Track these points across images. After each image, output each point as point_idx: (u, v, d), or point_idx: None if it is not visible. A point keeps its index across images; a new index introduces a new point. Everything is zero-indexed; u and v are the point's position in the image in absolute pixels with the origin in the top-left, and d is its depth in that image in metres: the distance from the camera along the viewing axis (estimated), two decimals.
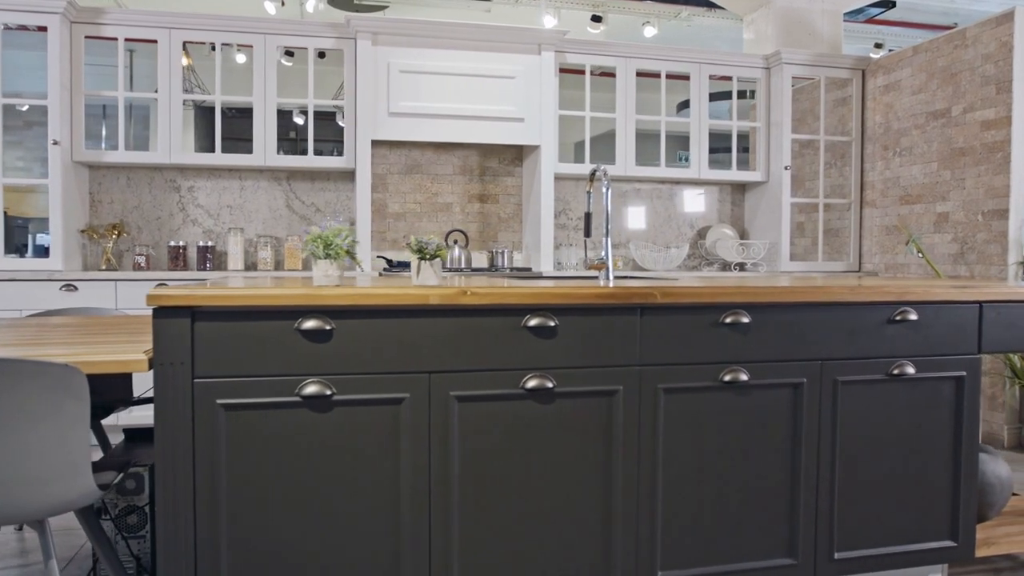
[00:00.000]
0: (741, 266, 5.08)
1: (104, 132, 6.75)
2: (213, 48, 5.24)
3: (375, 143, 4.62)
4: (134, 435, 2.53)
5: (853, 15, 6.71)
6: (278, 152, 4.34)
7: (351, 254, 1.87)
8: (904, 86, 4.70)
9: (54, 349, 1.73)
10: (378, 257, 4.60)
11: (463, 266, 4.57)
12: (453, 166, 4.88)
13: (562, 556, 1.93)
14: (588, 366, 1.92)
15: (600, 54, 4.76)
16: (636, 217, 5.21)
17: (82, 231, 4.29)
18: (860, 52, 6.65)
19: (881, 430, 2.16)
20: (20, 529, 2.85)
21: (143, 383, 2.91)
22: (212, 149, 4.37)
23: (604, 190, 2.59)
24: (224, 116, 4.41)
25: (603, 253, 2.60)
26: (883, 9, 6.50)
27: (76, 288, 3.85)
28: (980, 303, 2.22)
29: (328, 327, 1.76)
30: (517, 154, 4.97)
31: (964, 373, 2.21)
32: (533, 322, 1.87)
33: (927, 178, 4.52)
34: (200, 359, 1.72)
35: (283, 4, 6.35)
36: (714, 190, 5.34)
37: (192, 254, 4.48)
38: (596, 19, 6.92)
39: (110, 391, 2.70)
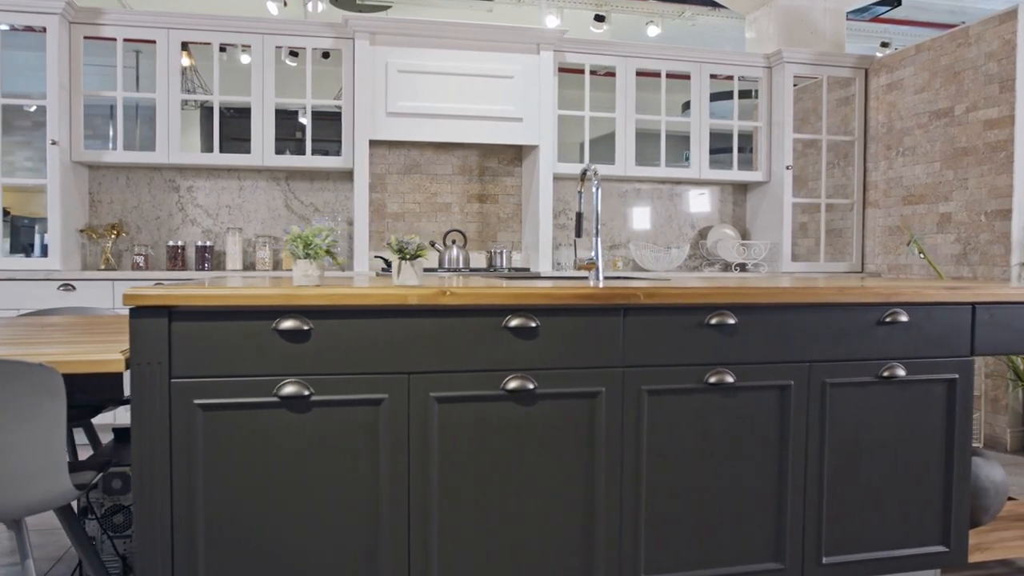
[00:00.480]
0: (742, 266, 5.05)
1: (111, 132, 6.78)
2: (223, 49, 5.26)
3: (374, 143, 4.62)
4: (123, 435, 2.53)
5: (858, 14, 6.65)
6: (281, 152, 4.35)
7: (331, 254, 1.85)
8: (907, 85, 4.65)
9: (33, 349, 1.73)
10: (376, 257, 4.59)
11: (461, 266, 4.56)
12: (452, 166, 4.87)
13: (543, 560, 1.91)
14: (570, 367, 1.90)
15: (600, 53, 4.74)
16: (636, 217, 5.18)
17: (81, 231, 4.30)
18: (867, 51, 6.59)
19: (871, 433, 2.13)
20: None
21: None
22: (221, 149, 4.37)
23: (594, 190, 2.57)
24: (230, 116, 4.40)
25: (592, 253, 2.57)
26: (889, 8, 6.44)
27: (74, 288, 3.86)
28: (973, 304, 2.18)
29: (306, 327, 1.75)
30: (517, 154, 4.95)
31: (956, 375, 2.18)
32: (514, 323, 1.85)
33: (930, 178, 4.47)
34: (177, 359, 1.71)
35: (285, 4, 6.36)
36: (715, 190, 5.31)
37: (191, 254, 4.49)
38: (599, 19, 6.89)
39: (100, 390, 2.70)
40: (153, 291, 1.69)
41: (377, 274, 4.26)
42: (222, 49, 5.54)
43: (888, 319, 2.11)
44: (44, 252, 4.92)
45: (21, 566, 1.69)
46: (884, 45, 7.25)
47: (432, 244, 4.71)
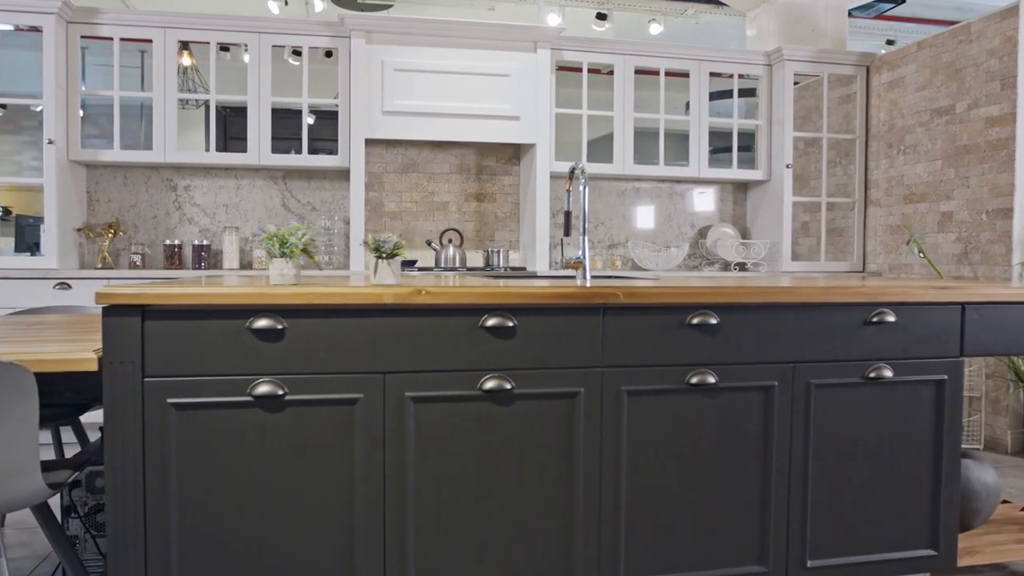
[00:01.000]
0: (742, 266, 5.01)
1: (117, 131, 6.81)
2: (226, 49, 5.25)
3: (372, 142, 4.61)
4: None
5: (862, 11, 6.59)
6: (287, 151, 4.35)
7: (307, 252, 1.84)
8: (909, 82, 4.60)
9: (8, 348, 1.72)
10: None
11: (457, 265, 4.54)
12: (450, 165, 4.86)
13: (521, 562, 1.89)
14: (548, 367, 1.88)
15: (597, 51, 4.71)
16: (635, 216, 5.15)
17: (78, 229, 4.32)
18: (873, 50, 6.53)
19: (858, 434, 2.10)
20: (1, 525, 2.86)
21: None
22: (221, 148, 4.38)
23: (581, 188, 2.55)
24: (234, 115, 4.39)
25: (580, 253, 2.55)
26: (892, 5, 6.38)
27: (70, 286, 3.87)
28: (962, 304, 2.15)
29: (280, 326, 1.74)
30: (515, 153, 4.93)
31: (945, 376, 2.14)
32: (491, 322, 1.83)
33: (931, 176, 4.42)
34: (150, 358, 1.70)
35: (286, 3, 6.37)
36: (715, 189, 5.27)
37: (188, 253, 4.50)
38: (601, 17, 6.86)
39: (88, 389, 2.70)
40: (126, 290, 1.68)
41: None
42: (225, 49, 5.57)
43: (875, 319, 2.07)
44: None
45: None
46: (890, 43, 7.19)
47: (428, 243, 4.70)
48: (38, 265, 3.99)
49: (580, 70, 4.70)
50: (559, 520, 1.91)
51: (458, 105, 4.40)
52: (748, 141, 5.13)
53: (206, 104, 6.43)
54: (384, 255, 1.86)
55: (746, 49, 5.41)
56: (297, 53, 5.61)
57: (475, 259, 4.83)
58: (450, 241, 4.72)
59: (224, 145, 5.96)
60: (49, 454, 2.94)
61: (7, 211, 5.60)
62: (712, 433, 2.00)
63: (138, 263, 4.35)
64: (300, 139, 4.41)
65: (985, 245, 4.04)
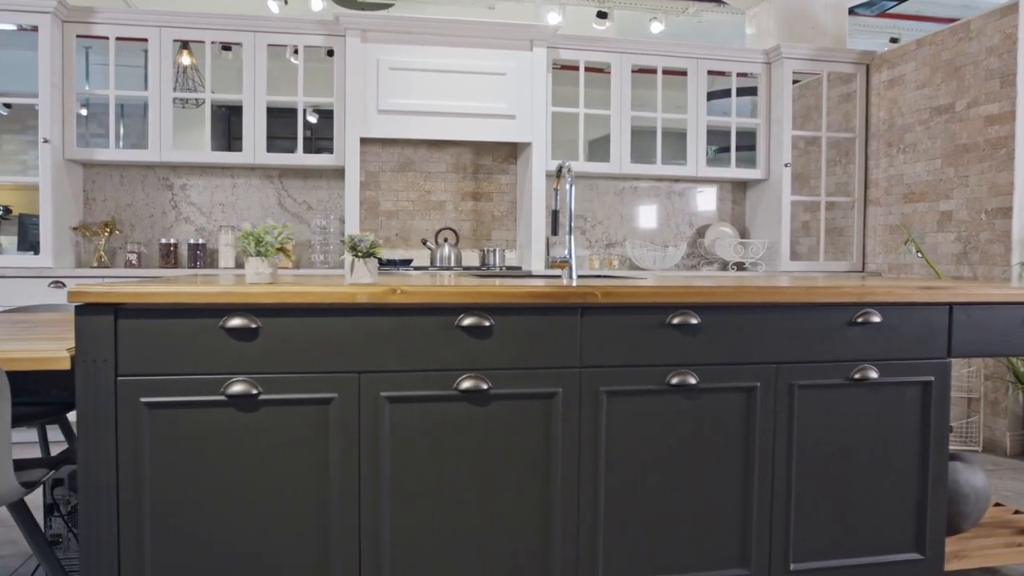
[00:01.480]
0: (740, 265, 4.98)
1: (122, 131, 6.84)
2: (228, 48, 5.25)
3: (368, 141, 4.61)
4: None
5: (865, 8, 6.54)
6: (276, 150, 4.34)
7: (284, 251, 1.83)
8: (908, 80, 4.56)
9: None
10: None
11: (453, 264, 4.53)
12: (446, 164, 4.84)
13: (498, 564, 1.88)
14: (526, 367, 1.86)
15: (594, 50, 4.68)
16: (633, 216, 5.13)
17: (75, 228, 4.33)
18: (877, 48, 6.47)
19: (842, 436, 2.07)
20: None
21: None
22: (225, 147, 4.38)
23: (567, 187, 2.53)
24: (240, 115, 4.37)
25: (566, 252, 2.54)
26: (895, 2, 6.32)
27: (64, 285, 3.88)
28: (950, 304, 2.12)
29: (254, 325, 1.73)
30: (512, 151, 4.92)
31: (932, 378, 2.11)
32: (467, 322, 1.82)
33: (931, 175, 4.38)
34: (124, 357, 1.70)
35: (286, 3, 6.37)
36: (714, 188, 5.23)
37: (183, 252, 4.50)
38: (602, 16, 6.84)
39: (74, 387, 2.70)
40: (98, 288, 1.68)
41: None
42: (227, 48, 5.57)
43: (860, 320, 2.05)
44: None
45: None
46: (894, 41, 7.13)
47: (424, 242, 4.69)
48: (34, 264, 4.00)
49: (578, 69, 4.68)
50: (537, 522, 1.89)
51: (454, 104, 4.39)
52: (751, 140, 5.09)
53: (209, 103, 6.46)
54: (360, 254, 1.85)
55: (744, 47, 5.37)
56: (296, 52, 5.63)
57: (471, 258, 4.81)
58: (445, 240, 4.71)
59: (229, 144, 5.97)
60: (35, 452, 2.95)
61: (7, 210, 5.62)
62: (693, 434, 1.98)
63: (134, 262, 4.35)
64: (305, 138, 4.41)
65: (984, 245, 4.00)
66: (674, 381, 1.94)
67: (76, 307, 1.69)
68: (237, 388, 1.73)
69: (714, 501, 2.00)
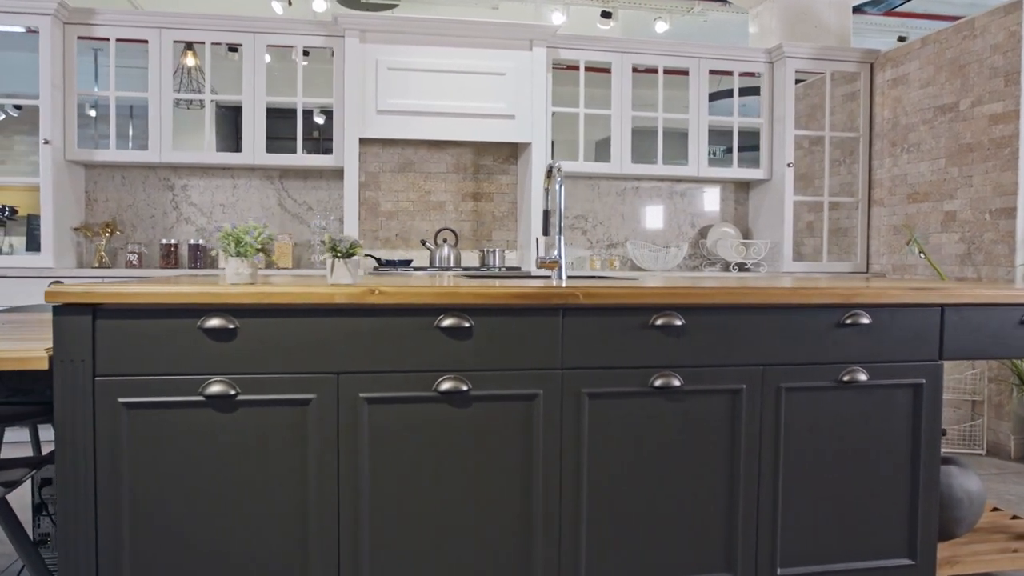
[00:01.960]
0: (742, 266, 4.94)
1: (130, 131, 6.88)
2: (233, 49, 5.26)
3: (368, 141, 4.61)
4: None
5: (872, 6, 6.48)
6: (277, 151, 4.36)
7: (264, 251, 1.83)
8: (912, 79, 4.51)
9: None
10: (367, 256, 4.58)
11: (452, 265, 4.52)
12: (446, 164, 4.84)
13: (477, 566, 1.86)
14: (506, 369, 1.85)
15: (594, 49, 4.66)
16: (634, 216, 5.10)
17: (76, 229, 4.35)
18: (886, 47, 6.41)
19: (831, 440, 2.04)
20: None
21: None
22: (230, 148, 4.39)
23: (557, 187, 2.52)
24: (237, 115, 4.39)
25: (554, 252, 2.52)
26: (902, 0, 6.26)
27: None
28: (942, 306, 2.08)
29: (232, 326, 1.73)
30: (512, 152, 4.90)
31: (923, 381, 2.08)
32: (447, 322, 1.81)
33: (935, 175, 4.32)
34: (102, 357, 1.70)
35: (290, 4, 6.39)
36: (717, 188, 5.20)
37: (184, 252, 4.52)
38: (606, 15, 6.81)
39: None
40: (76, 288, 1.68)
41: (367, 273, 4.24)
42: (233, 49, 5.58)
43: (848, 321, 2.02)
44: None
45: None
46: (901, 39, 7.06)
47: (423, 243, 4.68)
48: (35, 264, 4.02)
49: (579, 68, 4.66)
50: (517, 525, 1.88)
51: (453, 104, 4.38)
52: (756, 140, 5.04)
53: (212, 104, 6.48)
54: (340, 254, 1.84)
55: (747, 47, 5.33)
56: (305, 53, 5.63)
57: (471, 259, 4.80)
58: (445, 241, 4.70)
59: (235, 145, 5.99)
60: (27, 451, 2.96)
61: (13, 210, 5.66)
62: (677, 437, 1.95)
63: (135, 262, 4.37)
64: (313, 139, 4.41)
65: (988, 245, 3.94)
66: (658, 383, 1.92)
67: (54, 307, 1.69)
68: (215, 388, 1.73)
69: (699, 505, 1.97)
